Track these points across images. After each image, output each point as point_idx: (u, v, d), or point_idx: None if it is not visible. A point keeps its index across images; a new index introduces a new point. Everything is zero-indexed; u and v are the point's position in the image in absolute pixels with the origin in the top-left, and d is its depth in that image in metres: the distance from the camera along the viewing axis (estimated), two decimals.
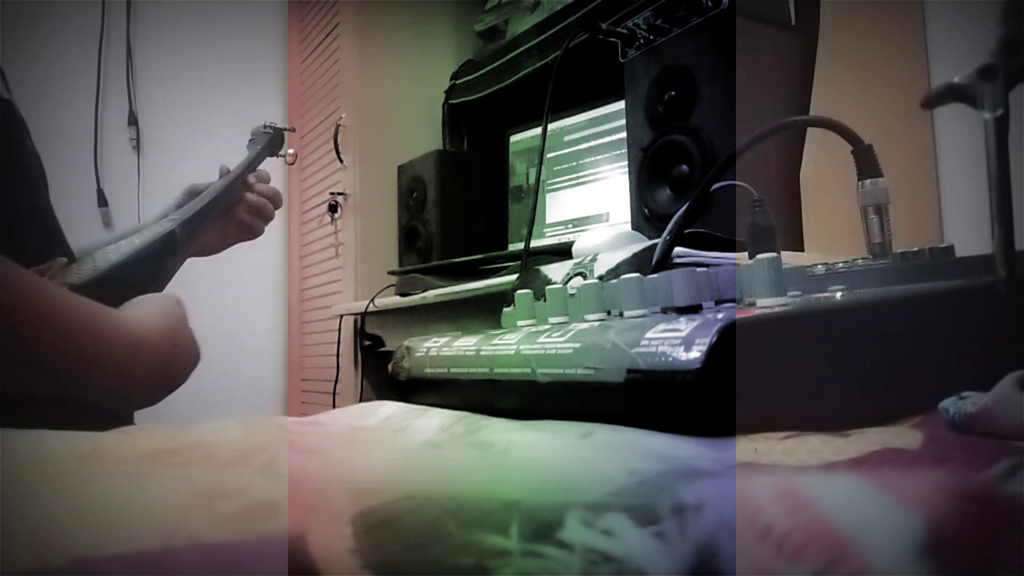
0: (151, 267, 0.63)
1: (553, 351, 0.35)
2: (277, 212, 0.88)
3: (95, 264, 0.58)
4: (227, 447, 0.25)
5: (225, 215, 0.82)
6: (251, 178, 0.85)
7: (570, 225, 1.28)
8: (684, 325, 0.29)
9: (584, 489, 0.21)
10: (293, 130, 0.95)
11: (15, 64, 1.76)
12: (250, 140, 0.90)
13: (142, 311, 0.53)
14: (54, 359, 0.44)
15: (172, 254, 0.66)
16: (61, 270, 0.57)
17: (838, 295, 0.37)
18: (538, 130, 1.38)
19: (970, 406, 0.25)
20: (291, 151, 0.96)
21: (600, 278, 0.62)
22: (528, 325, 0.44)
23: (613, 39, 0.92)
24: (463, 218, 1.43)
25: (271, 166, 0.91)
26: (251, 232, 0.85)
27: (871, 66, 0.93)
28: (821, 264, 0.47)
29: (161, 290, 0.66)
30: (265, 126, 0.91)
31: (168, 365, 0.52)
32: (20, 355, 0.42)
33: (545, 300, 0.44)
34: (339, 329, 1.53)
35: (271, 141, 0.90)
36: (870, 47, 0.94)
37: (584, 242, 0.80)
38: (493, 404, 0.39)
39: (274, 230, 1.98)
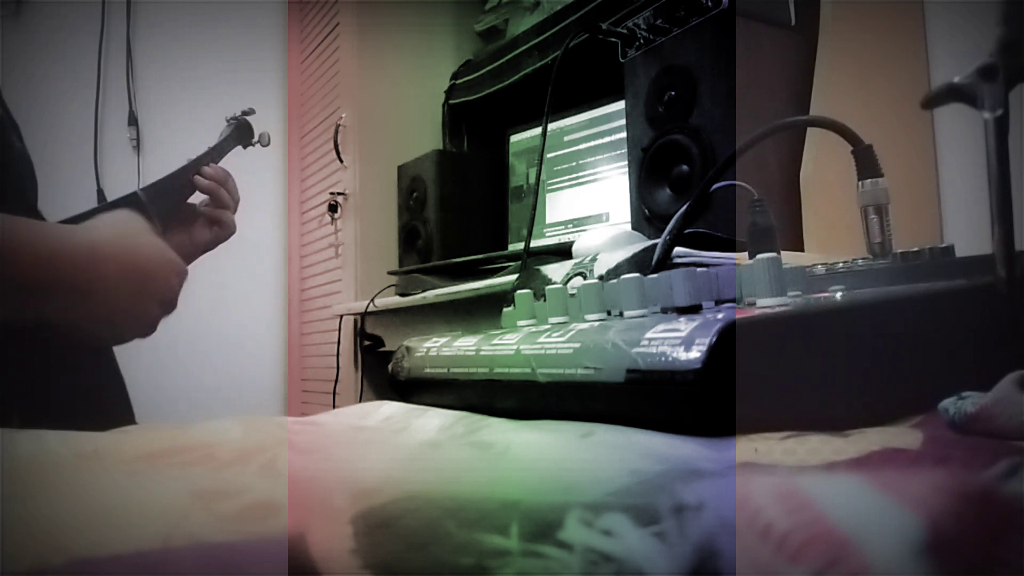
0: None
1: (553, 351, 0.35)
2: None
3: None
4: (227, 447, 0.25)
5: (189, 215, 0.78)
6: (207, 169, 0.80)
7: (570, 225, 1.28)
8: (684, 325, 0.29)
9: (584, 489, 0.21)
10: (253, 111, 0.92)
11: (15, 64, 1.76)
12: (220, 132, 0.89)
13: (93, 222, 0.51)
14: (2, 280, 0.42)
15: (143, 212, 0.64)
16: None
17: (838, 295, 0.37)
18: (538, 130, 1.38)
19: (970, 406, 0.25)
20: (263, 132, 0.93)
21: (600, 278, 0.62)
22: (528, 325, 0.44)
23: (613, 39, 0.92)
24: (463, 218, 1.43)
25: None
26: (220, 226, 0.79)
27: (871, 66, 0.93)
28: (821, 264, 0.47)
29: None
30: (227, 120, 0.89)
31: (136, 269, 0.49)
32: None
33: (545, 300, 0.44)
34: (339, 329, 1.53)
35: (235, 131, 0.87)
36: (870, 47, 0.94)
37: (584, 242, 0.80)
38: (493, 404, 0.39)
39: (274, 230, 2.00)
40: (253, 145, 0.91)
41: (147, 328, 0.51)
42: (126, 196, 0.64)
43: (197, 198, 0.79)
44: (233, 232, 0.80)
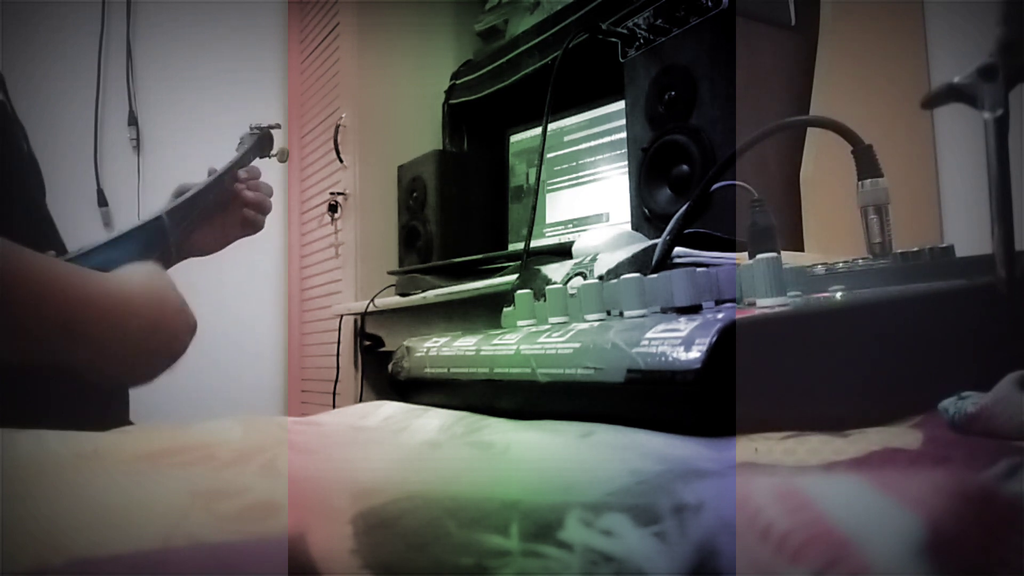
0: (139, 251, 0.63)
1: (553, 351, 0.35)
2: (276, 211, 0.88)
3: (82, 249, 0.57)
4: (227, 447, 0.25)
5: (222, 214, 0.82)
6: (242, 173, 0.85)
7: (570, 225, 1.28)
8: (684, 325, 0.29)
9: (584, 489, 0.21)
10: (278, 126, 0.95)
11: (15, 64, 1.76)
12: (239, 143, 0.90)
13: (125, 273, 0.52)
14: (37, 322, 0.43)
15: (162, 238, 0.66)
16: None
17: (838, 295, 0.37)
18: (538, 130, 1.38)
19: (970, 406, 0.25)
20: (282, 147, 0.96)
21: (600, 278, 0.62)
22: (528, 325, 0.44)
23: (613, 39, 0.92)
24: (463, 218, 1.43)
25: (269, 165, 0.91)
26: (253, 227, 0.86)
27: (871, 66, 0.93)
28: (821, 264, 0.47)
29: None
30: (251, 128, 0.91)
31: (159, 326, 0.51)
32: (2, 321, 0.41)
33: (545, 300, 0.44)
34: (339, 329, 1.53)
35: (258, 142, 0.90)
36: (870, 47, 0.94)
37: (584, 242, 0.80)
38: (493, 404, 0.39)
39: (274, 230, 1.99)
40: (270, 157, 0.93)
41: (152, 378, 0.52)
42: (151, 221, 0.65)
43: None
44: (261, 229, 0.87)
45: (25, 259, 0.44)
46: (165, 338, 0.52)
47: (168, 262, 0.69)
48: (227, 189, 0.83)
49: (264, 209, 0.87)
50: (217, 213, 0.81)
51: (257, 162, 0.90)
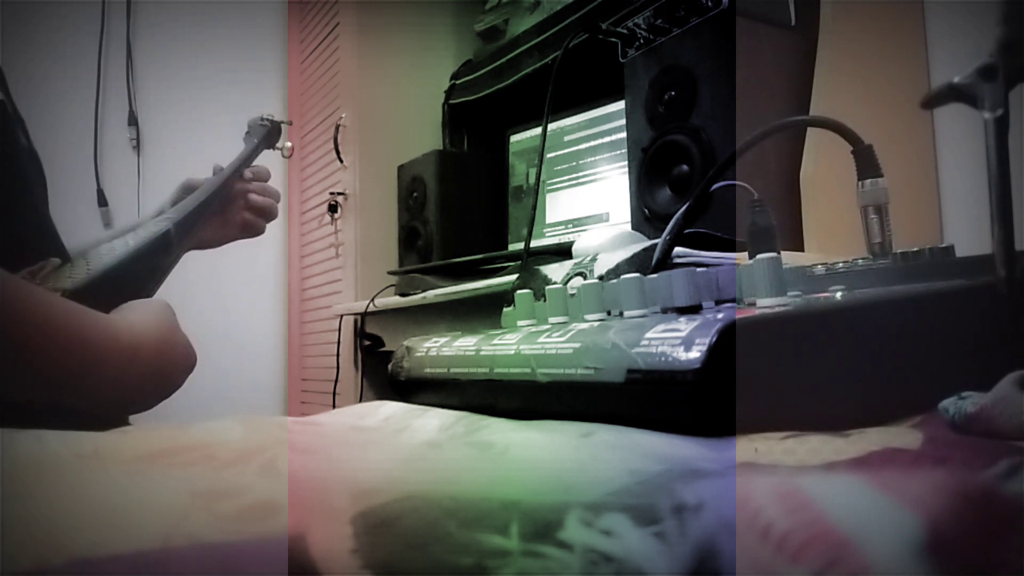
0: (146, 267, 0.63)
1: (553, 351, 0.35)
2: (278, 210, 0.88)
3: (88, 267, 0.57)
4: (227, 447, 0.25)
5: (224, 211, 0.82)
6: (247, 173, 0.84)
7: (570, 225, 1.28)
8: (684, 325, 0.29)
9: (584, 489, 0.21)
10: (290, 123, 0.94)
11: (15, 64, 1.76)
12: (247, 133, 0.89)
13: (135, 317, 0.53)
14: (47, 367, 0.44)
15: (167, 253, 0.66)
16: (53, 272, 0.57)
17: (838, 295, 0.37)
18: (538, 130, 1.38)
19: (970, 406, 0.25)
20: (288, 144, 0.96)
21: (600, 278, 0.62)
22: (528, 325, 0.44)
23: (613, 39, 0.92)
24: (463, 218, 1.43)
25: (270, 160, 0.91)
26: (253, 231, 0.86)
27: (871, 66, 0.93)
28: (821, 264, 0.47)
29: (157, 287, 0.66)
30: (262, 119, 0.90)
31: (163, 371, 0.52)
32: (12, 362, 0.42)
33: (545, 300, 0.44)
34: (339, 329, 1.53)
35: (268, 134, 0.89)
36: (870, 47, 0.94)
37: (584, 242, 0.80)
38: (493, 404, 0.39)
39: (274, 230, 1.99)
40: (276, 149, 0.93)
41: (147, 409, 0.53)
42: (159, 237, 0.65)
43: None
44: (264, 230, 0.88)
45: (33, 299, 0.45)
46: (167, 382, 0.53)
47: (171, 267, 0.69)
48: (233, 187, 0.82)
49: (269, 215, 0.86)
50: (219, 212, 0.81)
51: (261, 157, 0.89)
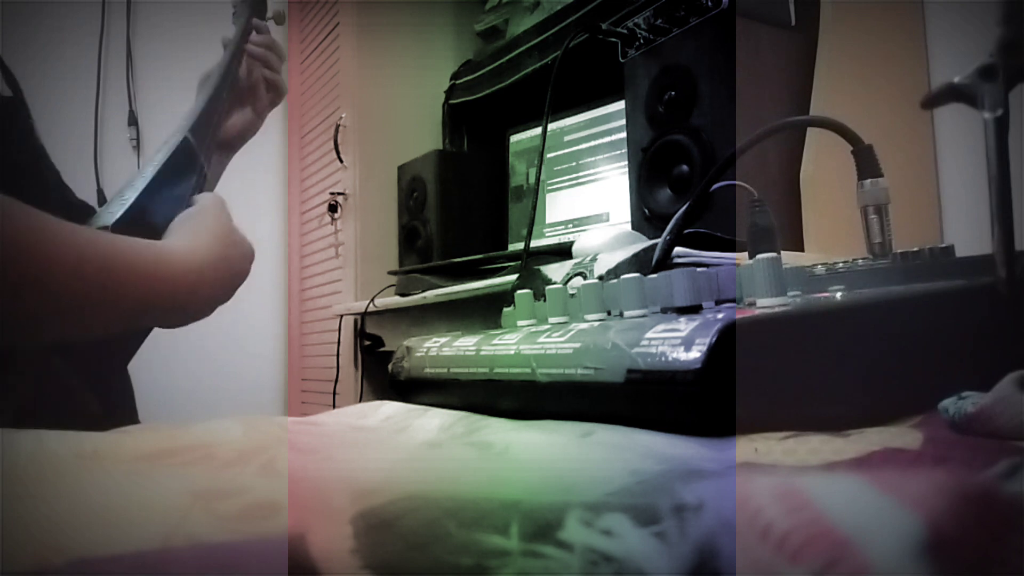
0: (178, 182, 0.63)
1: (553, 351, 0.35)
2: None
3: (123, 198, 0.57)
4: (227, 447, 0.25)
5: (243, 92, 0.81)
6: (251, 48, 0.83)
7: (570, 225, 1.28)
8: (684, 325, 0.29)
9: (584, 489, 0.21)
10: None
11: (15, 64, 1.75)
12: (233, 13, 0.88)
13: (190, 236, 0.54)
14: (124, 306, 0.46)
15: (194, 161, 0.66)
16: (94, 215, 0.57)
17: (838, 295, 0.37)
18: (538, 130, 1.38)
19: (970, 406, 0.25)
20: (277, 10, 0.94)
21: (600, 278, 0.62)
22: (528, 325, 0.44)
23: (613, 39, 0.92)
24: (463, 218, 1.43)
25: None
26: (276, 90, 0.84)
27: (871, 66, 0.93)
28: (821, 264, 0.47)
29: (212, 189, 0.67)
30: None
31: (228, 279, 0.54)
32: (92, 306, 0.44)
33: (545, 300, 0.44)
34: (339, 329, 1.53)
35: (254, 4, 0.87)
36: (870, 47, 0.94)
37: (584, 242, 0.80)
38: (493, 404, 0.39)
39: (274, 230, 1.99)
40: (267, 20, 0.91)
41: (211, 313, 0.55)
42: (178, 148, 0.64)
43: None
44: (286, 93, 0.86)
45: (110, 245, 0.46)
46: (236, 283, 0.56)
47: (204, 176, 0.68)
48: (238, 71, 0.80)
49: (271, 64, 0.84)
50: (237, 101, 0.80)
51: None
